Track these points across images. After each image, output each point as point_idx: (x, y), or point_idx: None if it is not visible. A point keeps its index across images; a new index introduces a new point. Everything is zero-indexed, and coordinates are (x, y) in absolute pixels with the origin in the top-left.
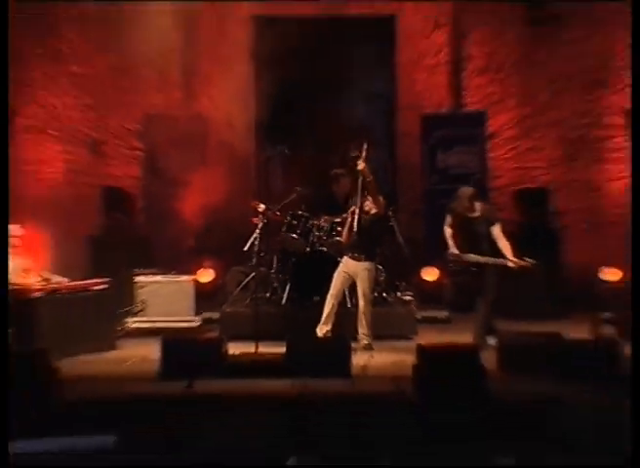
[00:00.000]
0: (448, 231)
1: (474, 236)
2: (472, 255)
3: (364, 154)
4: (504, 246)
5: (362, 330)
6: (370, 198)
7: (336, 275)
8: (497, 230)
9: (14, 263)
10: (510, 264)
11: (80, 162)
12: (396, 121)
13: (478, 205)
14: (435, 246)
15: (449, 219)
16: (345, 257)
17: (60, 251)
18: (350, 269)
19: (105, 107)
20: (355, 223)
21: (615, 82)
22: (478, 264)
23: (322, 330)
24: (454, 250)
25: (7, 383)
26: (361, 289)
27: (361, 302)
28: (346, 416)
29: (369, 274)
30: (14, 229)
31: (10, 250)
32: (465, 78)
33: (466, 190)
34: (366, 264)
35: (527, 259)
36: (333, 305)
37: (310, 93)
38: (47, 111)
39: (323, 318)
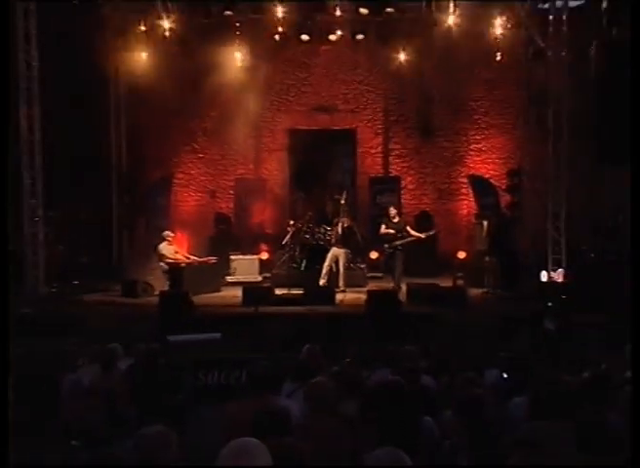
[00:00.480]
0: (383, 229)
1: (397, 230)
2: (398, 241)
3: (344, 196)
4: (415, 233)
5: (341, 282)
6: (346, 218)
7: (328, 256)
8: (409, 229)
9: (169, 250)
10: (424, 236)
11: (204, 201)
12: (356, 181)
13: (398, 216)
14: (375, 241)
15: (384, 224)
16: (333, 247)
17: (196, 243)
18: (336, 253)
19: (217, 173)
20: (340, 230)
21: (463, 162)
22: (402, 243)
23: (321, 282)
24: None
25: (7, 383)
26: (341, 262)
27: (341, 269)
28: (331, 325)
29: (345, 255)
30: (168, 234)
31: (167, 243)
32: (391, 160)
33: (393, 209)
34: (343, 250)
35: (430, 232)
36: (327, 270)
37: (315, 168)
38: (188, 176)
39: (322, 276)
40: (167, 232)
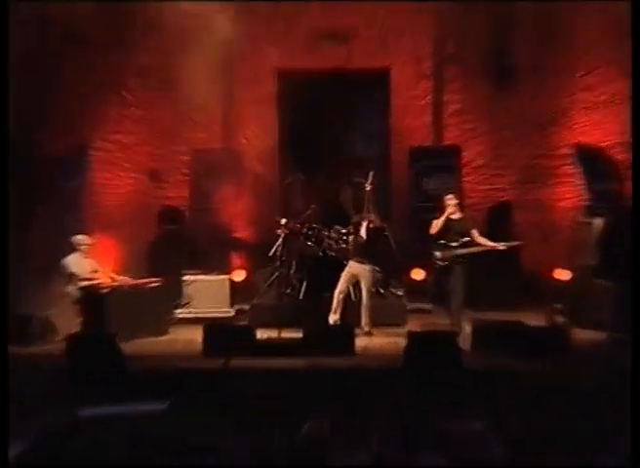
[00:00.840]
0: (435, 228)
1: (458, 234)
2: (458, 251)
3: (370, 180)
4: (487, 243)
5: (364, 319)
6: (372, 214)
7: (343, 275)
8: (476, 233)
9: (84, 265)
10: (502, 247)
11: (142, 186)
12: (389, 153)
13: (459, 211)
14: (421, 252)
15: (436, 221)
16: (351, 261)
17: (127, 253)
18: (355, 271)
19: (162, 142)
20: (364, 234)
21: (564, 121)
22: (464, 255)
23: (332, 318)
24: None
25: (7, 383)
26: (364, 286)
27: (364, 297)
28: (350, 386)
29: (370, 275)
30: (82, 239)
31: (81, 254)
32: (446, 120)
33: (451, 198)
34: (368, 267)
35: (513, 243)
36: (340, 299)
37: (322, 133)
38: (115, 146)
39: (332, 309)
40: (80, 237)
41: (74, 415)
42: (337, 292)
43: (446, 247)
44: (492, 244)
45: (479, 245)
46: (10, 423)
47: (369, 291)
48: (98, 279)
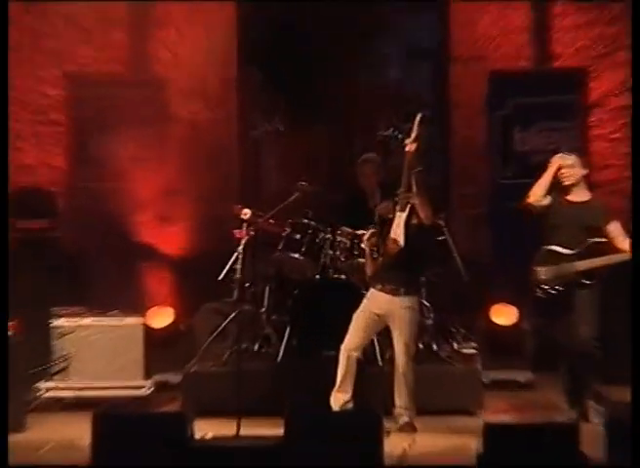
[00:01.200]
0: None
1: (580, 231)
2: (580, 262)
3: (415, 132)
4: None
5: (400, 401)
6: (416, 198)
7: (357, 317)
8: (616, 229)
9: None
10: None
11: None
12: (448, 83)
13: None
14: (511, 269)
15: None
16: (373, 290)
17: None
18: (382, 308)
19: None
20: (401, 237)
21: None
22: (591, 273)
23: (338, 399)
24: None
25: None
26: (401, 338)
27: (400, 359)
28: None
29: (411, 315)
30: None
31: None
32: (556, 18)
33: (563, 157)
34: (407, 300)
35: None
36: (352, 363)
37: (320, 43)
38: None
39: (338, 382)
40: None
41: None
42: (344, 348)
43: (557, 257)
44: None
45: (619, 251)
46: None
47: (408, 347)
48: None
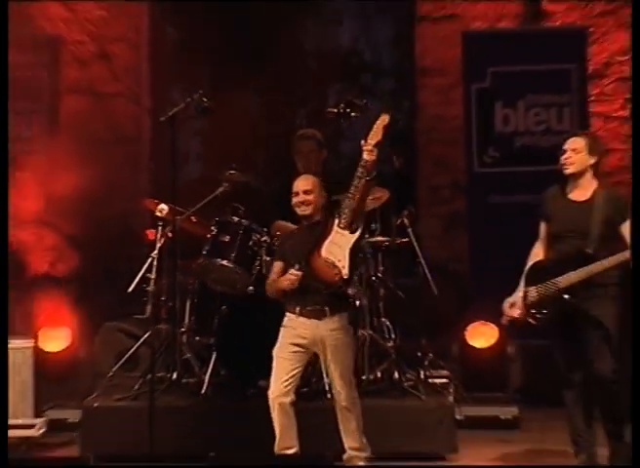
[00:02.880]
0: (537, 250)
1: (581, 234)
2: (574, 273)
3: (379, 134)
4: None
5: (350, 442)
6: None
7: (278, 353)
8: (627, 227)
9: None
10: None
11: None
12: (414, 48)
13: (592, 180)
14: (493, 279)
15: (542, 227)
16: (290, 315)
17: None
18: (305, 336)
19: None
20: (343, 262)
21: None
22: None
23: (280, 446)
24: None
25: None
26: (336, 368)
27: (341, 393)
28: None
29: (343, 338)
30: None
31: None
32: None
33: (581, 138)
34: (334, 321)
35: None
36: (287, 410)
37: None
38: None
39: (278, 438)
40: None
41: None
42: (271, 396)
43: (546, 272)
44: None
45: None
46: None
47: (346, 377)
48: None
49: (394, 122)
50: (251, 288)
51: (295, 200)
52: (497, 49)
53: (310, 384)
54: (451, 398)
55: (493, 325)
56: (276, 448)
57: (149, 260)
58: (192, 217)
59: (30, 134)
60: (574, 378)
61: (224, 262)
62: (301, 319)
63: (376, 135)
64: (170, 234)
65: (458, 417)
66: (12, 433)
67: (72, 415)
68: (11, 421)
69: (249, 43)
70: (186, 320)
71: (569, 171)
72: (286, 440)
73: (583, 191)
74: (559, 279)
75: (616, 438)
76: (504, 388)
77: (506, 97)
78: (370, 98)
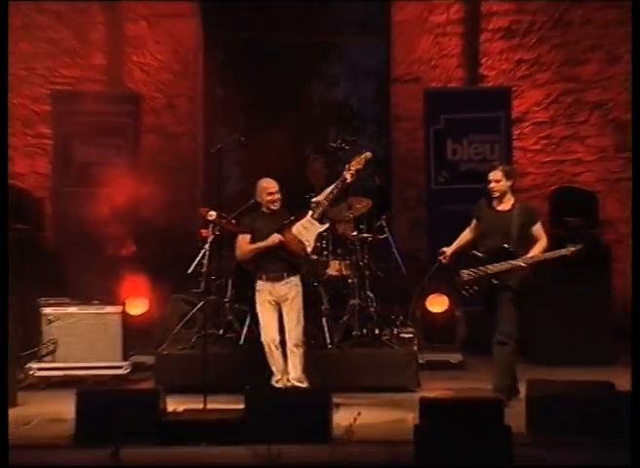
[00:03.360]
0: (465, 234)
1: (503, 236)
2: (494, 265)
3: (358, 166)
4: (542, 245)
5: (295, 373)
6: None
7: (261, 310)
8: (538, 230)
9: None
10: (555, 255)
11: None
12: (390, 101)
13: (511, 197)
14: (444, 265)
15: (473, 222)
16: (260, 282)
17: None
18: (273, 294)
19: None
20: (309, 242)
21: None
22: (500, 276)
23: (276, 379)
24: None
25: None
26: (292, 312)
27: (293, 333)
28: None
29: (296, 290)
30: None
31: None
32: (484, 43)
33: (497, 172)
34: (290, 280)
35: (569, 247)
36: (276, 348)
37: (278, 61)
38: None
39: (274, 370)
40: None
41: None
42: (265, 340)
43: (477, 261)
44: (545, 254)
45: (535, 257)
46: None
47: (299, 319)
48: None
49: (373, 158)
50: None
51: (269, 198)
52: (448, 102)
53: (317, 338)
54: (415, 347)
55: (444, 296)
56: (274, 380)
57: (202, 251)
58: (233, 221)
59: (119, 161)
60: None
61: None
62: (268, 282)
63: (358, 163)
64: (217, 232)
65: (420, 361)
66: (106, 372)
67: (149, 360)
68: (106, 363)
69: (274, 97)
70: (229, 292)
71: (495, 195)
72: (281, 370)
73: (505, 204)
74: (489, 267)
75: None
76: (453, 341)
77: (454, 135)
78: (358, 136)
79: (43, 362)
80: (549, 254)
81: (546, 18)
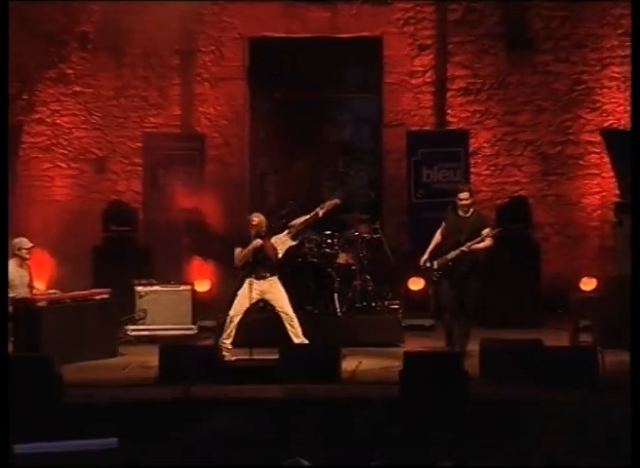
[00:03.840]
0: (437, 235)
1: (461, 234)
2: (450, 253)
3: (327, 208)
4: (485, 244)
5: (296, 338)
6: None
7: (241, 295)
8: (487, 232)
9: (20, 275)
10: (482, 243)
11: (85, 178)
12: (382, 139)
13: (472, 207)
14: (420, 256)
15: (442, 224)
16: (249, 279)
17: (66, 262)
18: (257, 289)
19: (109, 126)
20: (281, 252)
21: (590, 101)
22: (456, 260)
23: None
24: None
25: (7, 383)
26: (281, 298)
27: (286, 313)
28: (335, 419)
29: (278, 284)
30: (22, 243)
31: (20, 262)
32: (449, 98)
33: (464, 193)
34: (272, 278)
35: (492, 231)
36: (235, 324)
37: (302, 111)
38: (54, 130)
39: (225, 335)
40: (21, 241)
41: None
42: (232, 315)
43: (443, 253)
44: (479, 242)
45: (474, 246)
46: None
47: (287, 302)
48: (36, 294)
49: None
50: (300, 260)
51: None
52: (423, 140)
53: (330, 309)
54: (400, 315)
55: (421, 278)
56: (221, 341)
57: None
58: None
59: (189, 183)
60: (450, 307)
61: None
62: (255, 281)
63: (329, 206)
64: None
65: (403, 324)
66: (180, 333)
67: (210, 324)
68: (180, 326)
69: (299, 136)
70: None
71: (465, 208)
72: (229, 338)
73: (466, 213)
74: (447, 255)
75: (465, 339)
76: (427, 310)
77: (428, 164)
78: (358, 165)
79: (136, 325)
80: (479, 241)
81: (493, 80)
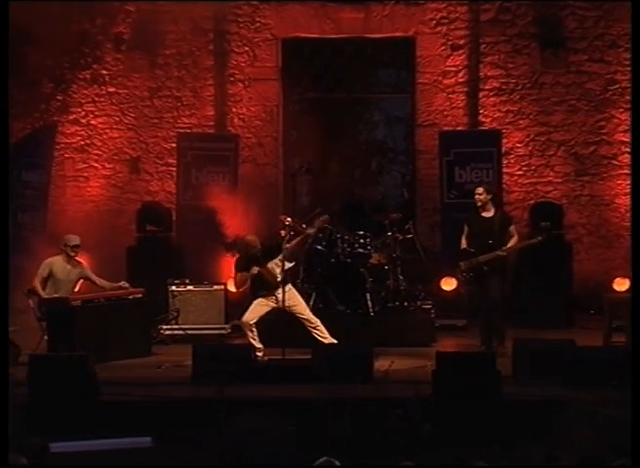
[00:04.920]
0: (463, 241)
1: (491, 235)
2: (482, 256)
3: (317, 226)
4: (515, 241)
5: (321, 339)
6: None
7: (259, 303)
8: (513, 230)
9: (69, 272)
10: (522, 245)
11: (119, 178)
12: (415, 140)
13: (492, 206)
14: (453, 256)
15: (465, 229)
16: (263, 292)
17: (100, 261)
18: (273, 302)
19: (143, 127)
20: (278, 275)
21: (623, 101)
22: (490, 260)
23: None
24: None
25: (7, 384)
26: (300, 304)
27: (305, 317)
28: (367, 419)
29: (293, 292)
30: (72, 239)
31: (67, 258)
32: (482, 98)
33: (481, 190)
34: (286, 291)
35: (537, 239)
36: (255, 331)
37: (335, 111)
38: (88, 130)
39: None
40: (67, 237)
41: (44, 449)
42: (245, 319)
43: (470, 254)
44: (519, 243)
45: (510, 247)
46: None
47: (306, 307)
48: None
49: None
50: (333, 260)
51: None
52: (456, 140)
53: (363, 308)
54: (432, 315)
55: (453, 278)
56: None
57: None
58: (303, 225)
59: (223, 183)
60: (487, 306)
61: (319, 247)
62: (267, 295)
63: (319, 223)
64: (291, 233)
65: (436, 325)
66: (213, 332)
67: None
68: (213, 326)
69: (332, 136)
70: (300, 276)
71: (478, 204)
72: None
73: (488, 212)
74: (480, 258)
75: (499, 339)
76: (459, 310)
77: (460, 164)
78: (391, 165)
79: (170, 324)
80: (520, 244)
81: (526, 80)
